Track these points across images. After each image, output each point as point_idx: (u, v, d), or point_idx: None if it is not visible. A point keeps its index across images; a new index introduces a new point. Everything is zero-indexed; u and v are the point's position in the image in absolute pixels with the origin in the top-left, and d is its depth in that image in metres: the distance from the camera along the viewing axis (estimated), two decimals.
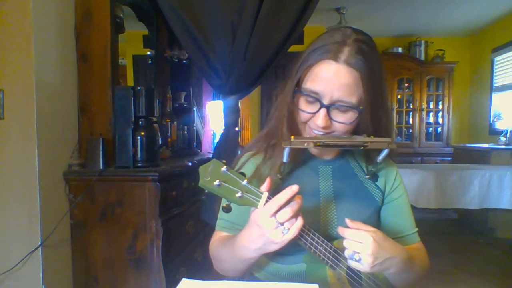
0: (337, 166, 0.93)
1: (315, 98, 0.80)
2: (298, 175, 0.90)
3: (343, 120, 0.81)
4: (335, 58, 0.78)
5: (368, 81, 0.79)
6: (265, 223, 0.69)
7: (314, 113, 0.81)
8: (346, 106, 0.79)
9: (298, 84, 0.84)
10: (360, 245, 0.70)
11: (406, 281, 0.84)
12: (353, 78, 0.78)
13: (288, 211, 0.68)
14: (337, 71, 0.78)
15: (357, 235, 0.72)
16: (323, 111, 0.80)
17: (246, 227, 0.76)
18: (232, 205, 0.72)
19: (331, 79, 0.78)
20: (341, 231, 0.74)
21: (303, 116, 0.84)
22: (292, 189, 0.69)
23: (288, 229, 0.69)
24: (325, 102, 0.79)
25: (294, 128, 0.87)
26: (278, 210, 0.68)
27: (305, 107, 0.83)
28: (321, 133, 0.82)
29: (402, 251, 0.77)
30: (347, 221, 0.75)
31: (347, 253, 0.72)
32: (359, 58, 0.78)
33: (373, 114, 0.83)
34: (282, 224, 0.69)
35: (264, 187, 0.71)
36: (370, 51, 0.80)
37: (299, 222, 0.70)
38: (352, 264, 0.72)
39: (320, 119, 0.80)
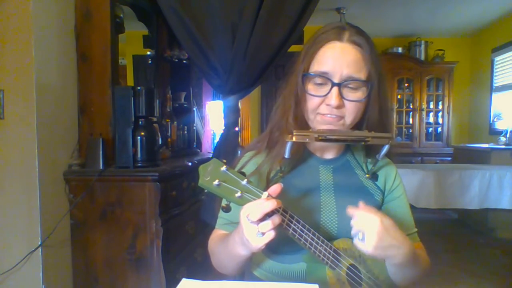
0: (338, 165, 0.93)
1: (325, 78, 0.81)
2: (299, 174, 0.90)
3: (354, 98, 0.82)
4: (339, 38, 0.82)
5: (372, 58, 0.82)
6: (245, 220, 0.69)
7: (326, 95, 0.82)
8: (357, 80, 0.81)
9: (305, 70, 0.85)
10: (367, 225, 0.71)
11: (408, 277, 0.84)
12: (359, 54, 0.81)
13: (256, 213, 0.67)
14: (343, 48, 0.81)
15: (366, 216, 0.72)
16: (335, 90, 0.80)
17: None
18: (232, 204, 0.72)
19: (339, 57, 0.81)
20: (351, 211, 0.74)
21: (314, 102, 0.84)
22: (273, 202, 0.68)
23: (263, 233, 0.68)
24: (336, 80, 0.81)
25: (300, 119, 0.87)
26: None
27: (315, 92, 0.83)
28: (334, 116, 0.83)
29: (409, 243, 0.76)
30: (360, 203, 0.75)
31: (352, 232, 0.73)
32: (361, 38, 0.82)
33: (380, 92, 0.85)
34: (252, 222, 0.68)
35: (271, 190, 0.71)
36: (367, 38, 0.84)
37: (272, 233, 0.69)
38: (356, 243, 0.72)
39: (333, 98, 0.80)
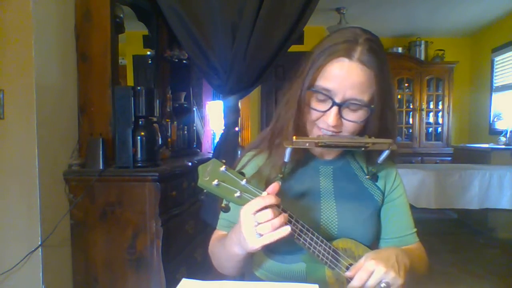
0: (338, 166, 0.93)
1: (327, 96, 0.80)
2: (299, 175, 0.90)
3: (354, 119, 0.80)
4: (348, 56, 0.78)
5: (379, 79, 0.79)
6: (245, 218, 0.69)
7: (325, 112, 0.80)
8: (358, 104, 0.79)
9: (309, 83, 0.83)
10: (375, 274, 0.72)
11: (411, 281, 0.85)
12: (366, 76, 0.78)
13: (268, 212, 0.67)
14: (351, 69, 0.78)
15: (364, 271, 0.73)
16: (334, 109, 0.79)
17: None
18: (232, 205, 0.72)
19: (345, 77, 0.78)
20: (354, 284, 0.74)
21: (314, 115, 0.83)
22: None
23: (261, 235, 0.68)
24: (337, 100, 0.79)
25: (301, 128, 0.86)
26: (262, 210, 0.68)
27: (316, 106, 0.82)
28: (330, 132, 0.82)
29: (400, 249, 0.79)
30: (347, 274, 0.77)
31: None
32: (371, 56, 0.78)
33: (382, 113, 0.83)
34: (258, 223, 0.68)
35: (270, 189, 0.71)
36: (380, 51, 0.81)
37: (275, 235, 0.68)
38: None
39: (331, 117, 0.79)
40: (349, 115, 0.80)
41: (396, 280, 0.72)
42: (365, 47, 0.78)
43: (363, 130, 0.84)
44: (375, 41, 0.81)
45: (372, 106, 0.80)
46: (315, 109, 0.82)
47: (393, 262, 0.74)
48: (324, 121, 0.81)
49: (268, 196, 0.69)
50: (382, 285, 0.72)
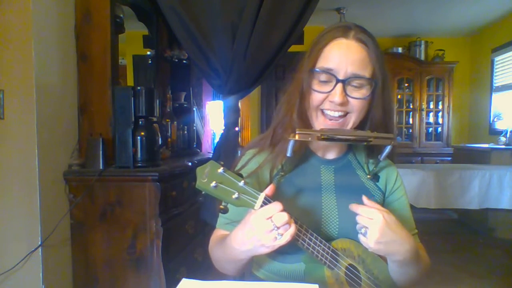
0: (339, 165, 0.93)
1: (330, 74, 0.82)
2: (301, 173, 0.90)
3: (358, 96, 0.82)
4: (344, 36, 0.83)
5: (377, 57, 0.83)
6: (259, 225, 0.70)
7: (330, 91, 0.82)
8: (361, 78, 0.82)
9: (310, 67, 0.85)
10: (370, 221, 0.73)
11: (409, 276, 0.84)
12: (365, 52, 0.82)
13: (285, 215, 0.69)
14: (349, 46, 0.82)
15: (369, 211, 0.74)
16: (339, 86, 0.81)
17: (237, 228, 0.76)
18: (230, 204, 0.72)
19: (344, 54, 0.82)
20: (355, 207, 0.76)
21: (317, 99, 0.84)
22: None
23: (282, 235, 0.69)
24: (340, 77, 0.81)
25: (304, 116, 0.87)
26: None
27: (319, 88, 0.84)
28: (337, 114, 0.83)
29: (412, 241, 0.78)
30: (364, 198, 0.77)
31: (357, 227, 0.75)
32: (365, 36, 0.83)
33: (384, 90, 0.85)
34: (278, 228, 0.69)
35: (267, 190, 0.72)
36: (372, 37, 0.85)
37: (292, 229, 0.71)
38: (360, 238, 0.75)
39: (337, 95, 0.81)
40: (353, 92, 0.83)
41: (371, 240, 0.72)
42: (358, 29, 0.84)
43: (368, 111, 0.86)
44: (367, 30, 0.86)
45: (375, 79, 0.83)
46: (320, 91, 0.83)
47: (392, 238, 0.73)
48: (329, 101, 0.83)
49: (277, 202, 0.70)
50: (362, 230, 0.74)
